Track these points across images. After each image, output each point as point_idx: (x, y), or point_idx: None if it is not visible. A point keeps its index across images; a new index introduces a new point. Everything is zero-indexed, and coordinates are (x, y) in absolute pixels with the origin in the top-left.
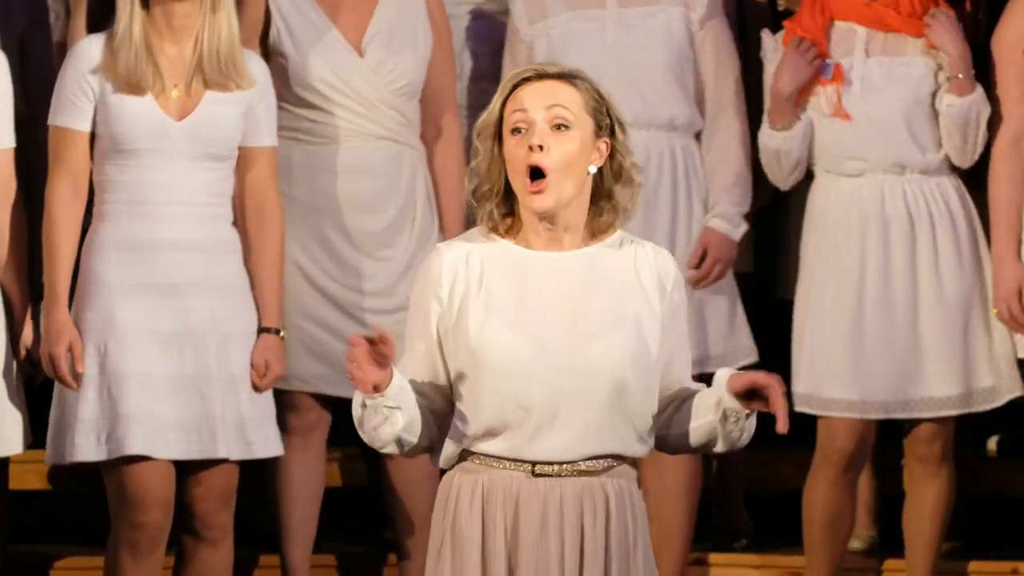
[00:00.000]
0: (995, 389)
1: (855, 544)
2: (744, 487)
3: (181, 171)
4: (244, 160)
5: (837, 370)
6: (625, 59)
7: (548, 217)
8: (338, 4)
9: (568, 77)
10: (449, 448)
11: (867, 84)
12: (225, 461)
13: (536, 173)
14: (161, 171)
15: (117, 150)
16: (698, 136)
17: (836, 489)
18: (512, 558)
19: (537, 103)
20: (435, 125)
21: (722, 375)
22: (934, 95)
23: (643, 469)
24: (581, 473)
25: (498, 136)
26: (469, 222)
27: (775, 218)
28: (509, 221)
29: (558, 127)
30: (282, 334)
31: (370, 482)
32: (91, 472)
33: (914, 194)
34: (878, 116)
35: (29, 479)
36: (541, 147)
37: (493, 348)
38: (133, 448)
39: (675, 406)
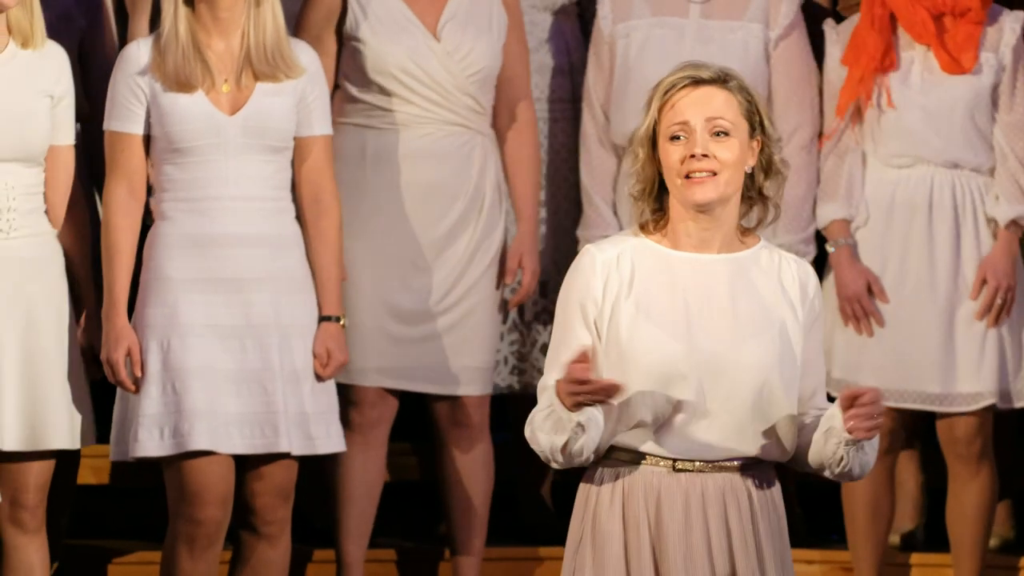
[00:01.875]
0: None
1: (897, 539)
2: (795, 482)
3: (238, 165)
4: (299, 150)
5: (872, 357)
6: None
7: (704, 211)
8: None
9: (721, 80)
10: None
11: (927, 78)
12: (286, 456)
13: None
14: (218, 166)
15: (173, 149)
16: None
17: (874, 475)
18: (657, 552)
19: (697, 114)
20: (509, 113)
21: (835, 414)
22: (994, 89)
23: None
24: (722, 469)
25: (652, 139)
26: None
27: None
28: (660, 223)
29: (718, 134)
30: (343, 322)
31: (421, 477)
32: (147, 468)
33: (962, 187)
34: (937, 111)
35: (85, 474)
36: (705, 155)
37: (643, 348)
38: (198, 444)
39: (808, 422)
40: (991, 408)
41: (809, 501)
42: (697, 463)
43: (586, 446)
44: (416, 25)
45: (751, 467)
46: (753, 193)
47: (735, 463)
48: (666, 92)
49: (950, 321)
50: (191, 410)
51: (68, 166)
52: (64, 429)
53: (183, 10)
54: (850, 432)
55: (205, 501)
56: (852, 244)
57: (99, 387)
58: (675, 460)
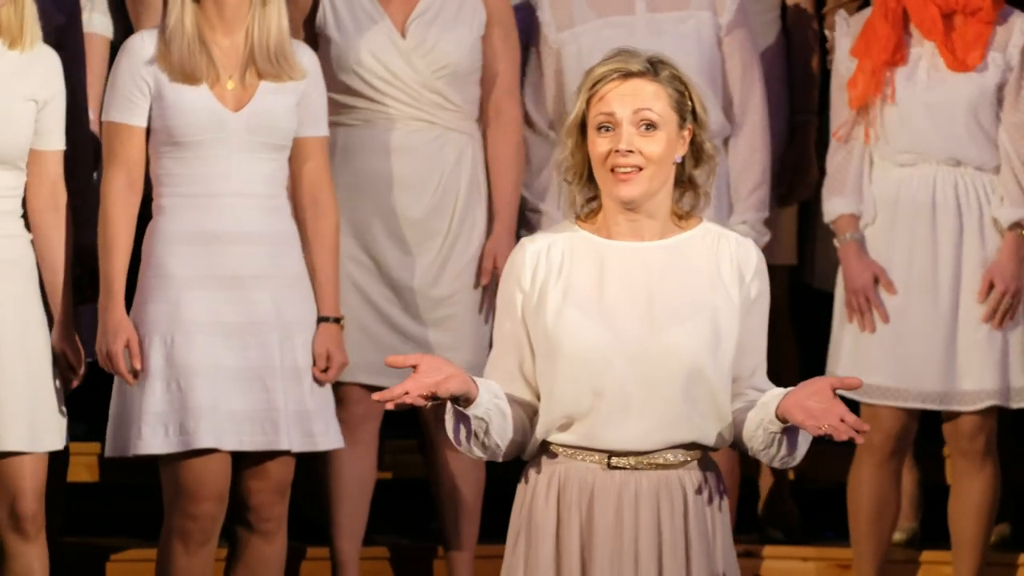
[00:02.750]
0: None
1: (897, 536)
2: (792, 480)
3: (240, 162)
4: (299, 151)
5: (879, 357)
6: None
7: (631, 207)
8: None
9: (650, 72)
10: (532, 439)
11: (933, 75)
12: (283, 453)
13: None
14: (220, 162)
15: (174, 143)
16: (725, 142)
17: (881, 476)
18: (586, 550)
19: (624, 106)
20: (492, 110)
21: (777, 393)
22: (1000, 88)
23: None
24: (658, 467)
25: (581, 128)
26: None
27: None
28: (595, 208)
29: (646, 127)
30: (342, 323)
31: (426, 473)
32: (140, 465)
33: (965, 186)
34: (939, 108)
35: (79, 472)
36: (630, 151)
37: (568, 334)
38: (204, 441)
39: (743, 403)
40: (994, 407)
41: (805, 498)
42: (631, 458)
43: (499, 436)
44: (383, 22)
45: (689, 464)
46: (684, 181)
47: (673, 457)
48: (595, 84)
49: (953, 320)
50: (196, 408)
51: (51, 172)
52: (22, 431)
53: (190, 4)
54: (812, 422)
55: (201, 496)
56: (860, 239)
57: (87, 385)
58: (610, 456)
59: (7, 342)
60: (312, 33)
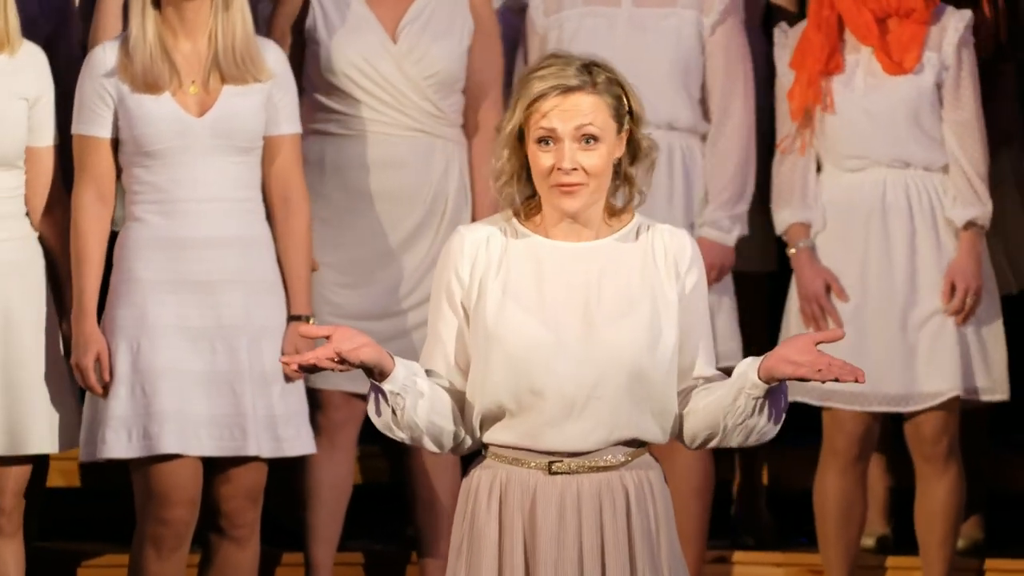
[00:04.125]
0: (986, 389)
1: (867, 541)
2: (765, 485)
3: (207, 167)
4: (267, 149)
5: None
6: (631, 59)
7: (572, 216)
8: None
9: (589, 84)
10: (462, 432)
11: (869, 81)
12: (255, 459)
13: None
14: (187, 168)
15: (142, 152)
16: (703, 138)
17: (846, 480)
18: (530, 555)
19: (565, 122)
20: (475, 119)
21: (749, 362)
22: (938, 88)
23: None
24: (599, 469)
25: (518, 134)
26: None
27: None
28: (532, 207)
29: (587, 141)
30: (312, 322)
31: (391, 479)
32: (116, 470)
33: (916, 187)
34: (879, 113)
35: (54, 476)
36: (574, 168)
37: (511, 332)
38: (167, 447)
39: (699, 394)
40: (956, 407)
41: (778, 504)
42: (572, 463)
43: (416, 415)
44: (374, 26)
45: (630, 464)
46: (620, 178)
47: (614, 459)
48: (534, 100)
49: (909, 322)
50: (160, 412)
51: (47, 167)
52: (44, 433)
53: (151, 12)
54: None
55: (173, 502)
56: (811, 246)
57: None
58: (551, 462)
59: (27, 345)
60: (300, 36)
